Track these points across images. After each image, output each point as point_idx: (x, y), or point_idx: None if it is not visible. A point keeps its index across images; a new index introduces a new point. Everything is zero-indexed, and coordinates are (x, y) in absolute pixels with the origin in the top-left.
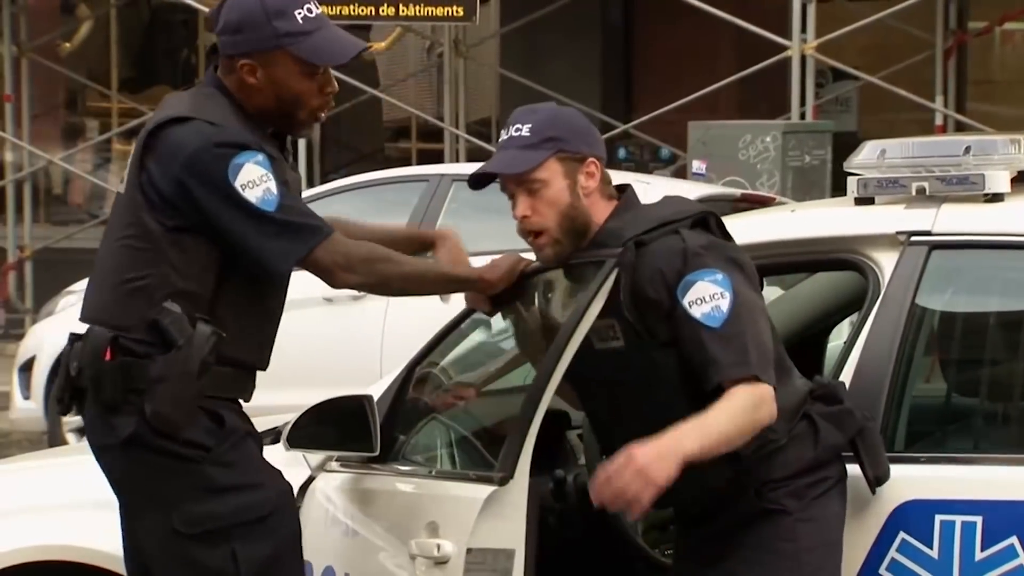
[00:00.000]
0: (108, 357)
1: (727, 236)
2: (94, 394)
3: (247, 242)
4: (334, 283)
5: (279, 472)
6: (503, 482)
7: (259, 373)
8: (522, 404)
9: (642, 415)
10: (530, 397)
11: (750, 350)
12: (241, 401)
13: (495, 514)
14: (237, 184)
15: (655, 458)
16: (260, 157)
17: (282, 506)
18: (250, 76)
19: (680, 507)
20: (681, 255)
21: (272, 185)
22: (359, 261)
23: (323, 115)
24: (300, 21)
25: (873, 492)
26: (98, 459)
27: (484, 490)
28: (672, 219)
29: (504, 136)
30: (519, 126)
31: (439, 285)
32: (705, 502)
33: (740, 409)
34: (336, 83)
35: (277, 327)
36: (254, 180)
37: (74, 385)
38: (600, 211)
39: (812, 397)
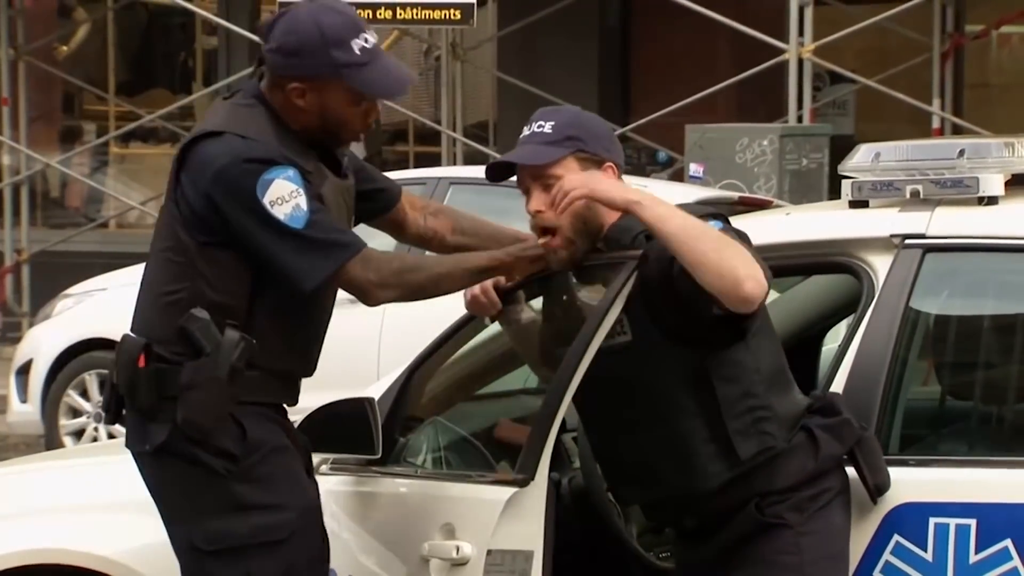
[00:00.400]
0: (142, 363)
1: (740, 235)
2: (129, 400)
3: (276, 259)
4: (368, 301)
5: (309, 486)
6: (524, 484)
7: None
8: (541, 406)
9: (646, 414)
10: (550, 399)
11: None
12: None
13: (515, 516)
14: (266, 201)
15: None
16: (291, 172)
17: (303, 527)
18: (299, 99)
19: (677, 518)
20: None
21: (302, 201)
22: (391, 274)
23: (363, 136)
24: (357, 52)
25: (874, 501)
26: (137, 465)
27: (505, 492)
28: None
29: (526, 132)
30: (541, 123)
31: (468, 278)
32: (702, 512)
33: (716, 239)
34: (379, 111)
35: (323, 332)
36: (283, 196)
37: (117, 392)
38: (613, 215)
39: (810, 411)
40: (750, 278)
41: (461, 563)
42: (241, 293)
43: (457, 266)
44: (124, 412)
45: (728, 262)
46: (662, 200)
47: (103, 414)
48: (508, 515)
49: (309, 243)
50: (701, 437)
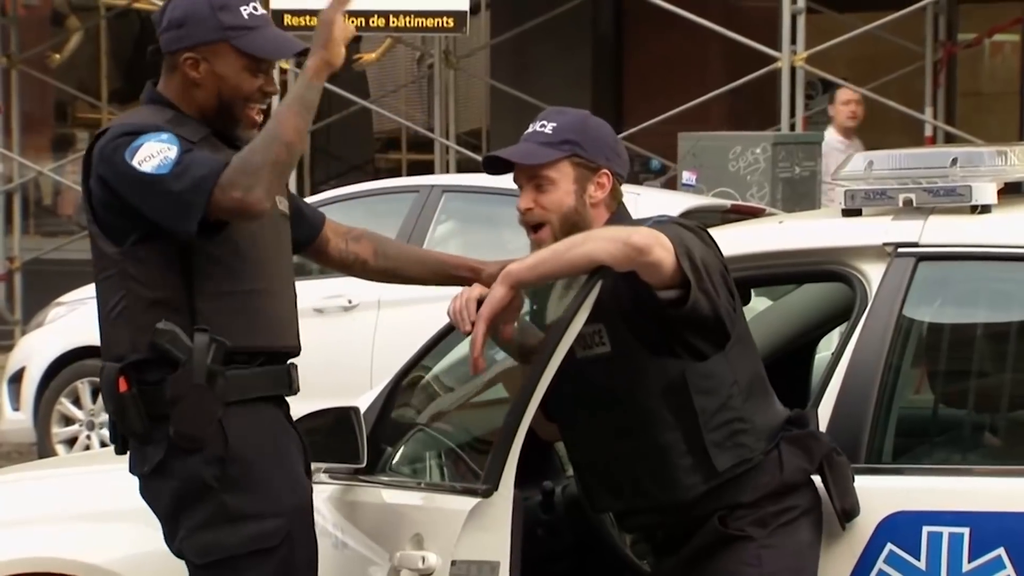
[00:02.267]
0: (123, 388)
1: (722, 257)
2: (122, 427)
3: (152, 213)
4: (251, 215)
5: (300, 485)
6: (487, 494)
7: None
8: (506, 416)
9: (624, 425)
10: (514, 409)
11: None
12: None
13: (480, 526)
14: (134, 161)
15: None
16: (164, 135)
17: (295, 530)
18: (192, 70)
19: (650, 526)
20: None
21: (172, 154)
22: (242, 175)
23: (260, 118)
24: (245, 17)
25: (843, 527)
26: (140, 488)
27: (469, 502)
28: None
29: (528, 129)
30: (544, 123)
31: (299, 111)
32: (675, 521)
33: (583, 238)
34: (276, 84)
35: (283, 295)
36: (151, 154)
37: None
38: (601, 216)
39: (787, 423)
40: (634, 234)
41: (427, 573)
42: (176, 283)
43: (279, 113)
44: None
45: (605, 239)
46: (528, 258)
47: (113, 446)
48: (472, 525)
49: (174, 186)
50: (678, 449)
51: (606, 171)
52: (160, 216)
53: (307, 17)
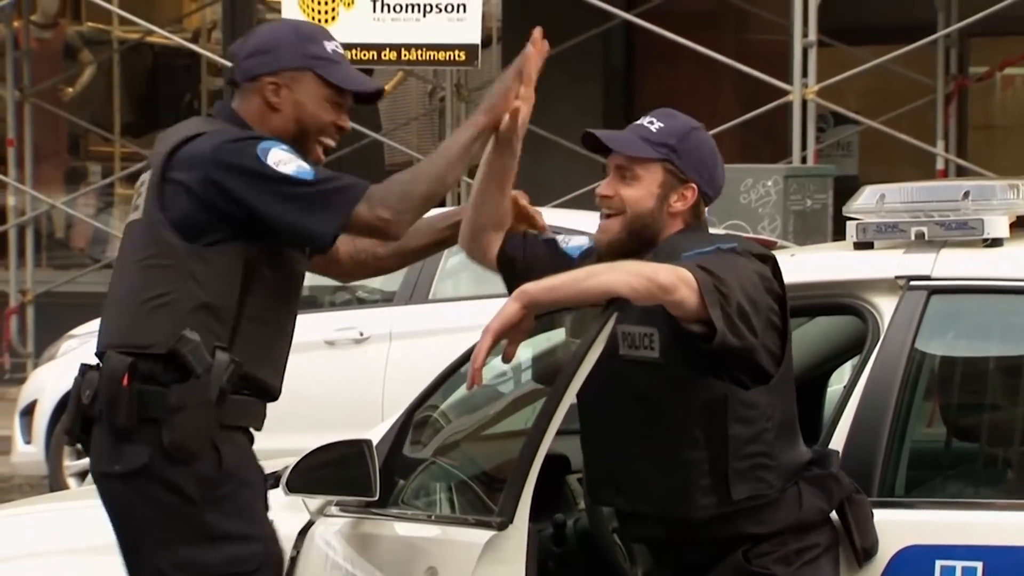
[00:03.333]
0: (125, 383)
1: (782, 285)
2: (108, 419)
3: (288, 220)
4: (389, 238)
5: (268, 520)
6: (502, 527)
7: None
8: (522, 448)
9: (652, 431)
10: (530, 440)
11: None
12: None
13: (495, 559)
14: (270, 161)
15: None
16: (283, 144)
17: (268, 558)
18: (273, 95)
19: (651, 532)
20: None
21: (303, 162)
22: (397, 201)
23: (322, 156)
24: (329, 51)
25: (860, 565)
26: (99, 487)
27: (483, 535)
28: (726, 244)
29: (638, 121)
30: (652, 120)
31: (463, 154)
32: (679, 534)
33: (605, 268)
34: (349, 124)
35: (288, 351)
36: (283, 159)
37: (85, 414)
38: (673, 226)
39: (809, 464)
40: (659, 271)
41: None
42: (231, 294)
43: (446, 152)
44: (90, 436)
45: (628, 273)
46: (546, 280)
47: (66, 436)
48: (488, 558)
49: (319, 195)
50: (700, 469)
51: (694, 185)
52: (296, 219)
53: (357, 50)
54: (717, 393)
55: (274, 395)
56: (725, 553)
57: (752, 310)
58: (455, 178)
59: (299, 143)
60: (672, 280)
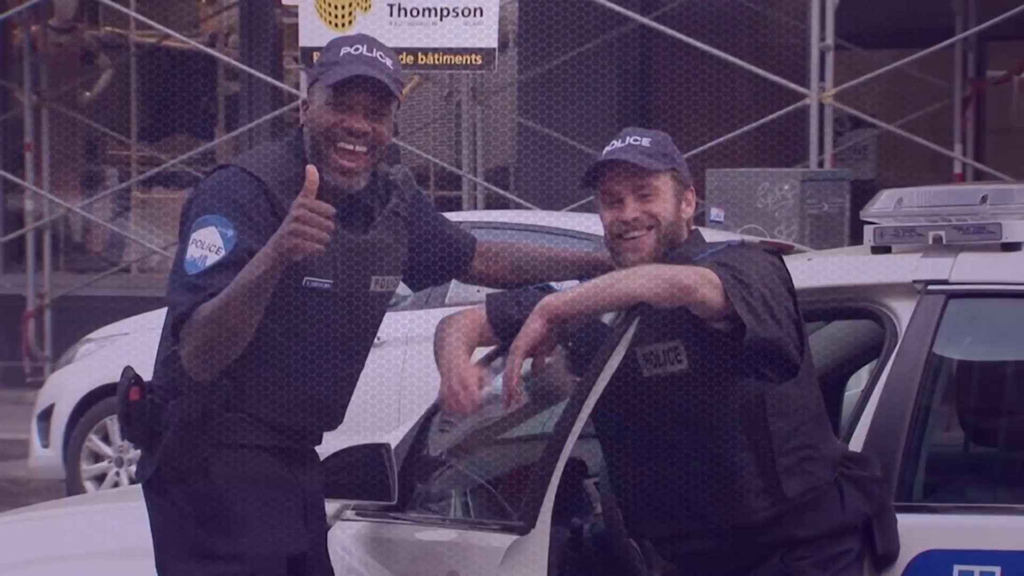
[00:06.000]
0: (135, 397)
1: (790, 282)
2: (126, 432)
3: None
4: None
5: (280, 537)
6: (524, 531)
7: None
8: (543, 452)
9: (693, 445)
10: (552, 445)
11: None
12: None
13: (517, 563)
14: (192, 233)
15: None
16: (231, 233)
17: None
18: (304, 114)
19: (695, 552)
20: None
21: (212, 259)
22: (184, 337)
23: (347, 163)
24: (340, 55)
25: (879, 571)
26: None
27: (505, 539)
28: (733, 240)
29: (619, 143)
30: (637, 137)
31: (246, 295)
32: (731, 547)
33: (624, 275)
34: (364, 122)
35: (313, 389)
36: (203, 241)
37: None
38: (684, 238)
39: (846, 460)
40: (679, 273)
41: None
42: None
43: (237, 285)
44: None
45: (648, 277)
46: (567, 291)
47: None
48: (509, 562)
49: (182, 286)
50: (750, 471)
51: (691, 190)
52: (168, 287)
53: None
54: (751, 392)
55: (278, 428)
56: (762, 558)
57: (774, 300)
58: (237, 321)
59: (318, 156)
60: (694, 280)
